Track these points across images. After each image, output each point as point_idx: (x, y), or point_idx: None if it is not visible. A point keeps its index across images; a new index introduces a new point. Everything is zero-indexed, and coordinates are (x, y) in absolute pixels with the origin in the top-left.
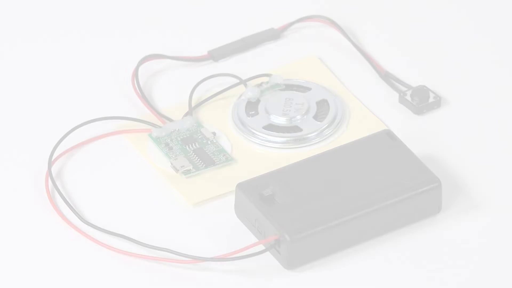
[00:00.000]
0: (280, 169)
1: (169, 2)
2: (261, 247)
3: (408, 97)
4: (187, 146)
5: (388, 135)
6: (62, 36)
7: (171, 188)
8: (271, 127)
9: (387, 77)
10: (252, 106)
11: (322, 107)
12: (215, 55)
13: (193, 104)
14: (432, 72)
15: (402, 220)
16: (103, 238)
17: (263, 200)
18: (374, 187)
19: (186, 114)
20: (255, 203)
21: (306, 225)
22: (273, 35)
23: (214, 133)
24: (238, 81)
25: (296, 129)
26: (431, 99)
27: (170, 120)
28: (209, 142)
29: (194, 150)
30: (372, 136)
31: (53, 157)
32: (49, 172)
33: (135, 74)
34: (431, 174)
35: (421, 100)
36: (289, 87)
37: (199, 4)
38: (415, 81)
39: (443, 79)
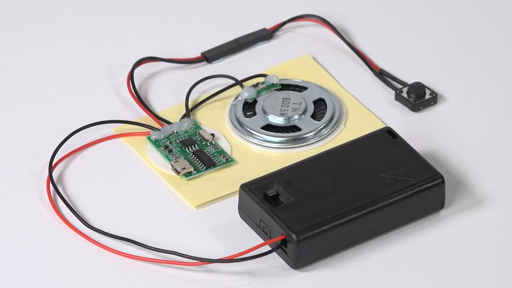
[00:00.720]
0: (283, 169)
1: (161, 5)
2: (267, 247)
3: (404, 94)
4: (186, 148)
5: (389, 133)
6: (56, 42)
7: (173, 191)
8: (269, 127)
9: (381, 75)
10: (249, 107)
11: (319, 106)
12: (209, 56)
13: (189, 106)
14: (426, 69)
15: (407, 217)
16: (108, 243)
17: (267, 200)
18: (377, 184)
19: (183, 116)
20: (260, 204)
21: (312, 225)
22: (265, 35)
23: (213, 135)
24: (233, 82)
25: (295, 128)
26: (427, 96)
27: (168, 122)
28: (208, 143)
29: (193, 152)
30: (373, 134)
31: (53, 163)
32: (50, 178)
33: (130, 77)
34: (434, 170)
35: (418, 97)
36: (285, 87)
37: (191, 6)
38: (410, 78)
39: (438, 75)
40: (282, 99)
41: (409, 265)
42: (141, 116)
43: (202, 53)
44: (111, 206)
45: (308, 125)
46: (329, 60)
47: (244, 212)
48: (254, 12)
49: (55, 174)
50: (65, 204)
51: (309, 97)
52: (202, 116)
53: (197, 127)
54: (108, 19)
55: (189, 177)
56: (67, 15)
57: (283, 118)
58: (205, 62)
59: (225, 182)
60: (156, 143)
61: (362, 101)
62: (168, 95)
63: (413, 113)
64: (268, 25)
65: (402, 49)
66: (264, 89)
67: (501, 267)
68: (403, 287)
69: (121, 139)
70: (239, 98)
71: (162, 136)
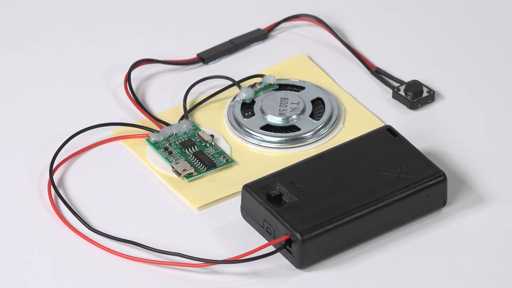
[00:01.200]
0: (285, 169)
1: (155, 7)
2: (271, 247)
3: (402, 93)
4: (186, 149)
5: (389, 131)
6: (54, 44)
7: (174, 193)
8: (268, 128)
9: (378, 74)
10: (247, 107)
11: (317, 105)
12: (205, 57)
13: (187, 108)
14: (422, 67)
15: (410, 214)
16: (111, 245)
17: (271, 200)
18: (380, 183)
19: (181, 118)
20: (263, 204)
21: (316, 224)
22: (260, 35)
23: (212, 136)
24: (230, 82)
25: (293, 128)
26: (424, 94)
27: (167, 124)
28: (208, 144)
29: (193, 153)
30: (373, 132)
31: (53, 166)
32: (51, 181)
33: (127, 79)
34: (435, 167)
35: (415, 95)
36: (282, 86)
37: (186, 7)
38: (407, 76)
39: (434, 73)
40: (280, 99)
41: (412, 263)
42: (139, 118)
43: (198, 54)
44: (113, 208)
45: (307, 124)
46: (325, 59)
47: (247, 212)
48: (249, 13)
49: (55, 177)
50: (66, 207)
51: (307, 96)
52: (200, 117)
53: (196, 128)
54: (104, 22)
55: (190, 179)
56: (64, 18)
57: (281, 118)
58: (201, 63)
59: (226, 183)
60: (155, 145)
61: (360, 100)
62: (165, 96)
63: (411, 111)
64: (263, 25)
65: (397, 47)
66: (261, 89)
67: (503, 264)
68: (407, 284)
69: (120, 141)
70: (237, 98)
71: (162, 138)
